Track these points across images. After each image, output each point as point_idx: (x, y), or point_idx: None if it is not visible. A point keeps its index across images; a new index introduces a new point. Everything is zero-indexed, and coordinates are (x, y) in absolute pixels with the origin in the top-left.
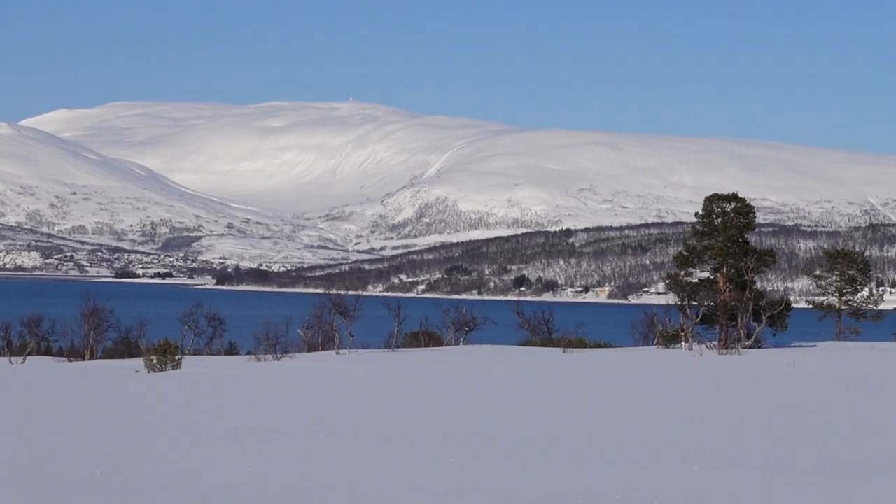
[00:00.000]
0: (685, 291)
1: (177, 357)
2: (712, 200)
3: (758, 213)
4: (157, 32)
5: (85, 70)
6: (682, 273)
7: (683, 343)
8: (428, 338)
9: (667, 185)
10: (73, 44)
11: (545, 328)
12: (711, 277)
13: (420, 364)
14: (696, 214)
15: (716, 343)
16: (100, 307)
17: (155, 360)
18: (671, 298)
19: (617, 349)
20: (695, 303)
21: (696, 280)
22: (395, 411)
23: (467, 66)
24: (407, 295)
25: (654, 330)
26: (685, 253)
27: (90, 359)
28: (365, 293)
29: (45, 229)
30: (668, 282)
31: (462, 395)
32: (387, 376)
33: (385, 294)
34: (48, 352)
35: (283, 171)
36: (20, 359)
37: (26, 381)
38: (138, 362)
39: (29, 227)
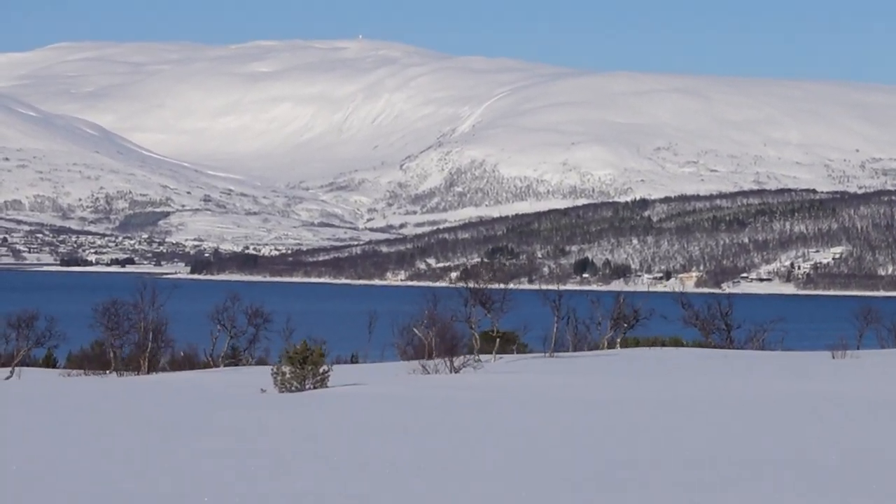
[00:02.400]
0: None
1: (323, 369)
2: None
3: (885, 177)
4: None
5: (18, 4)
6: None
7: None
8: (503, 338)
9: (767, 142)
10: None
11: (723, 324)
12: None
13: (652, 375)
14: None
15: None
16: (116, 302)
17: (288, 374)
18: (779, 286)
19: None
20: None
21: None
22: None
23: None
24: (437, 284)
25: None
26: None
27: (149, 371)
28: (383, 282)
29: None
30: None
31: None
32: (647, 394)
33: (409, 283)
34: (51, 362)
35: (274, 129)
36: (6, 371)
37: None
38: (224, 376)
39: None
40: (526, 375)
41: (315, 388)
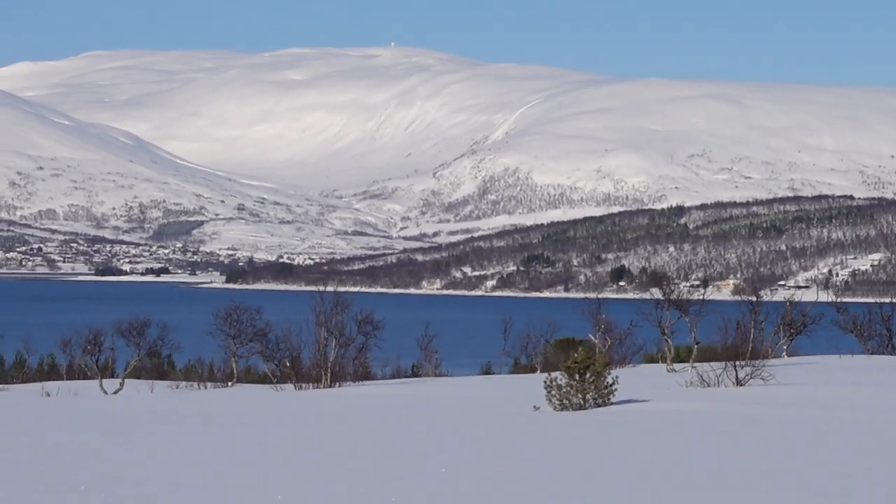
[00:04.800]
0: None
1: (608, 381)
2: None
3: None
4: None
5: (51, 13)
6: None
7: None
8: (577, 347)
9: (802, 149)
10: None
11: (884, 329)
12: None
13: None
14: None
15: None
16: (238, 307)
17: (565, 386)
18: (816, 293)
19: None
20: None
21: None
22: None
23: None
24: (473, 293)
25: None
26: None
27: (329, 383)
28: (419, 291)
29: (4, 215)
30: None
31: None
32: None
33: (446, 292)
34: (111, 372)
35: (307, 138)
36: (118, 382)
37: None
38: (428, 388)
39: None
40: (837, 388)
41: (598, 404)
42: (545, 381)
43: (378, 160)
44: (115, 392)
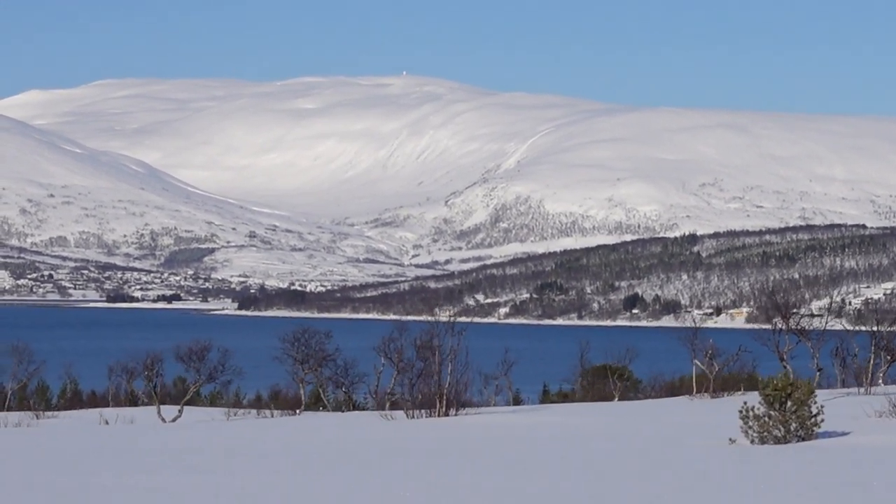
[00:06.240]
0: None
1: (813, 411)
2: None
3: None
4: None
5: (62, 41)
6: None
7: None
8: (613, 374)
9: (812, 178)
10: (47, 8)
11: None
12: None
13: None
14: None
15: None
16: (310, 330)
17: (763, 416)
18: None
19: None
20: None
21: None
22: None
23: (553, 29)
24: (486, 320)
25: None
26: None
27: (445, 411)
28: (432, 319)
29: (15, 242)
30: None
31: None
32: None
33: (458, 320)
34: (133, 400)
35: (318, 166)
36: (176, 410)
37: None
38: (554, 417)
39: None
40: None
41: (801, 437)
42: (741, 411)
43: (390, 188)
44: (174, 420)
